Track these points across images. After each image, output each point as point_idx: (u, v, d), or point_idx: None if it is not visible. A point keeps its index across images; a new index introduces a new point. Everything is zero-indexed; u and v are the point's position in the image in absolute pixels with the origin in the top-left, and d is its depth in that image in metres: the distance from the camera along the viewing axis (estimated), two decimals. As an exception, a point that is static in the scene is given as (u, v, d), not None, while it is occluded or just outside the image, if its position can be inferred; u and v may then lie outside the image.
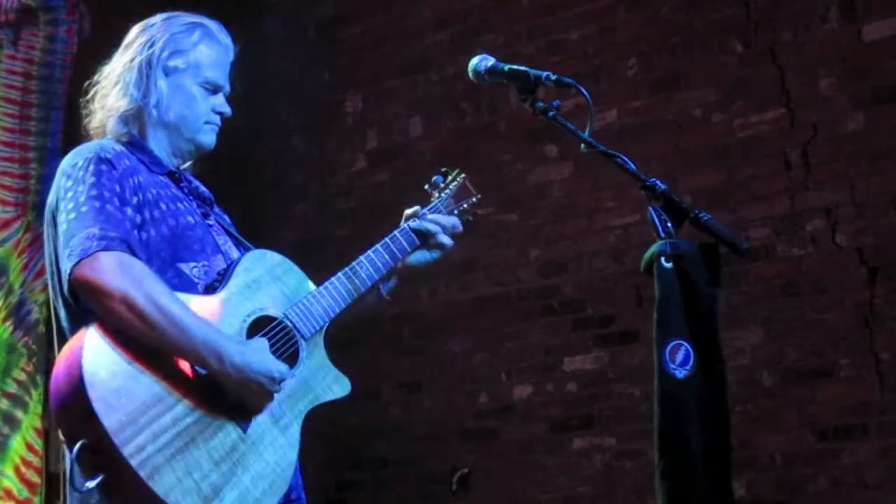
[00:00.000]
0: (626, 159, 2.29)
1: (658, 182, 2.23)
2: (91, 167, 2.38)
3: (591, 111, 2.38)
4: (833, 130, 4.25)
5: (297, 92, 5.55)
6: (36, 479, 4.80)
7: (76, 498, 2.29)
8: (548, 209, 4.84)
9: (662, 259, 2.16)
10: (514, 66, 2.51)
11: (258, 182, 5.60)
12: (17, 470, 4.75)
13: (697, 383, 2.11)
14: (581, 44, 4.83)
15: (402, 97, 5.29)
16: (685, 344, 2.12)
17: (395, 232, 2.73)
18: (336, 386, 2.54)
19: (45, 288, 4.94)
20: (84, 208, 2.32)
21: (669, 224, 2.19)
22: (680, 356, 2.11)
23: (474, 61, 2.59)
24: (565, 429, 4.69)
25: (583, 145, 2.34)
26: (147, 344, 2.27)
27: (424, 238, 2.74)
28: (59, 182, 2.43)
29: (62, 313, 2.41)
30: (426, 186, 2.87)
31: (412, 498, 5.02)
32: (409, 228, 2.73)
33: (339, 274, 2.61)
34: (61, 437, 2.27)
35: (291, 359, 2.47)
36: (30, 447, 4.81)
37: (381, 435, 5.08)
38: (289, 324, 2.48)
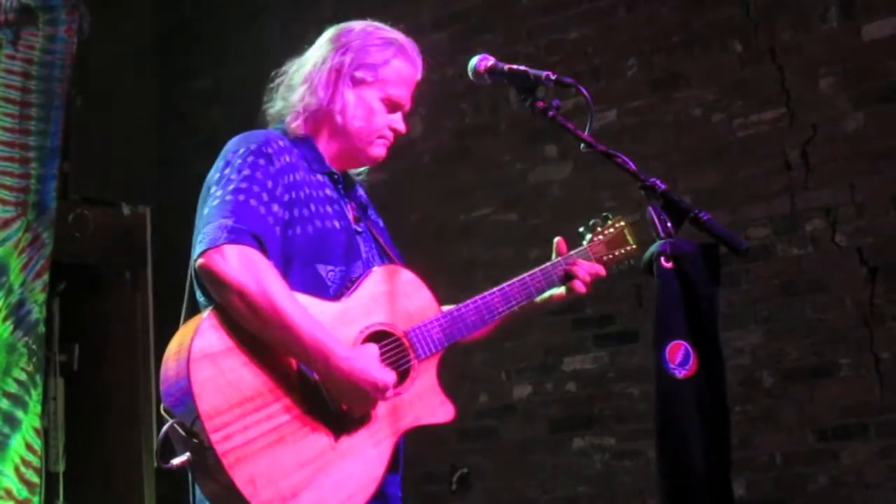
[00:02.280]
0: (625, 159, 2.29)
1: (658, 182, 2.23)
2: (250, 158, 2.43)
3: (590, 111, 2.39)
4: (833, 130, 4.25)
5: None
6: (35, 478, 4.81)
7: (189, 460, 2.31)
8: (548, 209, 4.83)
9: (662, 259, 2.16)
10: (514, 66, 2.51)
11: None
12: (16, 469, 4.75)
13: (697, 383, 2.11)
14: (581, 44, 4.83)
15: (401, 97, 5.28)
16: (685, 344, 2.12)
17: (539, 269, 2.75)
18: (440, 411, 2.58)
19: (45, 288, 4.98)
20: (228, 197, 2.37)
21: (669, 224, 2.19)
22: (679, 356, 2.12)
23: (474, 61, 2.60)
24: (565, 429, 4.69)
25: (582, 145, 2.34)
26: (258, 338, 2.31)
27: (564, 279, 2.75)
28: (219, 164, 2.47)
29: (199, 291, 2.45)
30: (581, 229, 2.88)
31: (412, 498, 5.00)
32: (551, 269, 2.75)
33: (473, 301, 2.64)
34: (162, 412, 2.30)
35: (401, 377, 2.47)
36: (29, 447, 4.81)
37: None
38: (406, 342, 2.49)
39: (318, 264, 2.46)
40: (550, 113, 2.41)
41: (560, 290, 2.78)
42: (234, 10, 5.70)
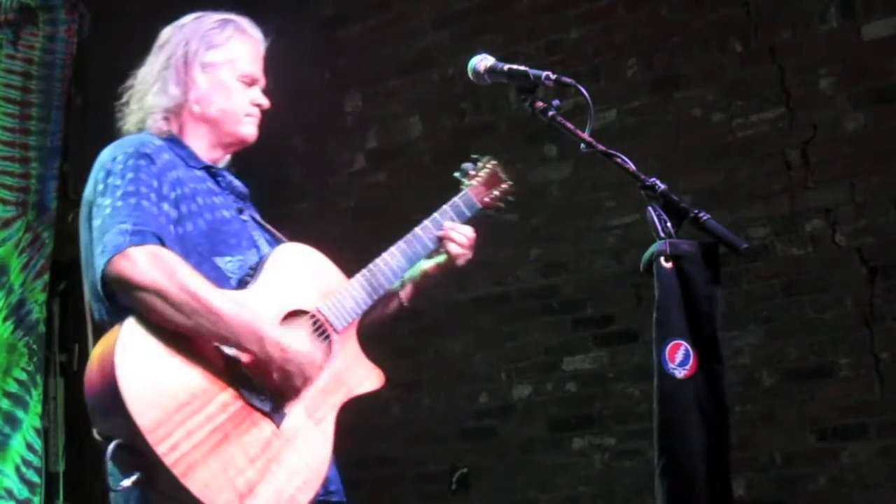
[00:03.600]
0: (625, 159, 2.29)
1: (657, 182, 2.23)
2: (130, 162, 2.41)
3: (590, 111, 2.38)
4: (833, 130, 4.25)
5: (297, 92, 5.54)
6: (36, 478, 4.81)
7: (114, 496, 2.30)
8: (548, 209, 4.84)
9: (662, 259, 2.16)
10: (514, 66, 2.51)
11: (258, 182, 5.58)
12: (17, 469, 4.75)
13: (697, 383, 2.11)
14: (581, 44, 4.83)
15: (402, 97, 5.29)
16: (685, 344, 2.12)
17: (409, 236, 2.73)
18: (369, 379, 2.59)
19: (46, 288, 4.98)
20: (119, 203, 2.35)
21: (669, 224, 2.19)
22: (679, 356, 2.12)
23: (474, 61, 2.59)
24: (565, 428, 4.69)
25: (582, 145, 2.34)
26: (185, 334, 2.28)
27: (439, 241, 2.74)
28: (97, 176, 2.45)
29: (98, 308, 2.41)
30: (456, 174, 2.88)
31: (412, 498, 5.02)
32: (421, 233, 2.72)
33: (374, 264, 2.63)
34: (96, 435, 2.26)
35: (324, 352, 2.48)
36: (30, 447, 4.81)
37: (381, 434, 5.08)
38: (321, 317, 2.50)
39: (215, 257, 2.45)
40: (550, 113, 2.41)
41: (441, 259, 2.77)
42: (235, 10, 5.69)
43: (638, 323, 4.44)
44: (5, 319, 4.85)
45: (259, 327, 2.33)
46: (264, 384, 2.35)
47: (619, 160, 2.29)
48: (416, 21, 5.29)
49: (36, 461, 4.82)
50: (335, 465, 2.52)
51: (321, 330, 2.49)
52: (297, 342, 2.37)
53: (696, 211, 2.20)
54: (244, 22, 2.70)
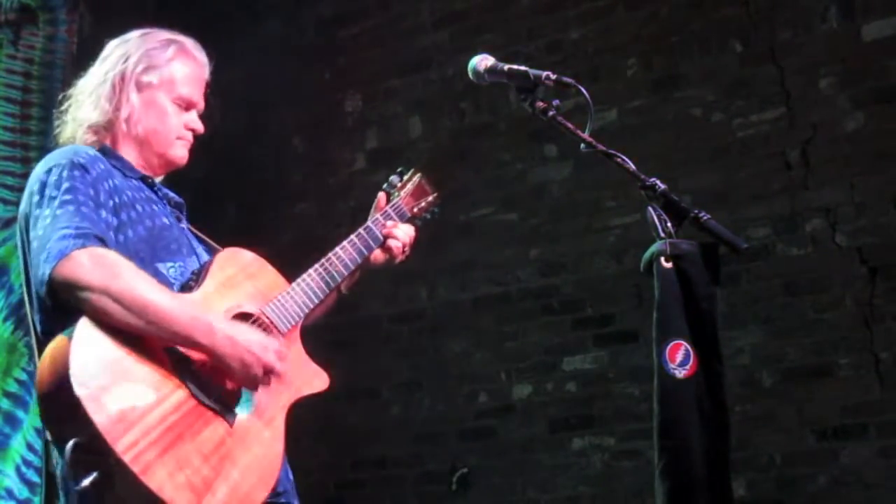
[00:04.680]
0: (625, 159, 2.29)
1: (657, 182, 2.23)
2: (65, 173, 2.41)
3: (590, 111, 2.39)
4: (833, 130, 4.25)
5: (297, 92, 5.55)
6: (36, 478, 4.81)
7: (72, 497, 2.29)
8: (548, 209, 4.84)
9: (662, 259, 2.16)
10: (514, 66, 2.51)
11: (258, 182, 5.60)
12: (17, 469, 4.75)
13: (697, 383, 2.12)
14: (581, 44, 4.83)
15: (402, 97, 5.29)
16: (685, 344, 2.12)
17: (362, 229, 2.80)
18: (316, 380, 2.57)
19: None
20: (59, 211, 2.35)
21: (669, 224, 2.19)
22: (679, 356, 2.12)
23: (474, 61, 2.60)
24: (565, 428, 4.69)
25: (582, 145, 2.35)
26: (135, 333, 2.27)
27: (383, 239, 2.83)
28: (33, 188, 2.46)
29: (37, 319, 2.42)
30: (384, 186, 2.97)
31: (412, 498, 5.02)
32: (373, 227, 2.83)
33: (312, 269, 2.66)
34: (48, 437, 2.27)
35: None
36: (30, 447, 4.81)
37: (381, 435, 5.08)
38: (265, 319, 2.51)
39: (157, 263, 2.46)
40: (550, 113, 2.41)
41: (377, 253, 2.84)
42: (235, 10, 5.70)
43: (638, 323, 4.44)
44: (5, 319, 4.85)
45: (208, 321, 2.34)
46: (219, 381, 2.36)
47: (619, 160, 2.29)
48: (416, 21, 5.29)
49: (36, 461, 4.82)
50: (287, 466, 2.54)
51: (266, 332, 2.50)
52: (247, 332, 2.39)
53: (696, 211, 2.20)
54: (189, 44, 2.69)
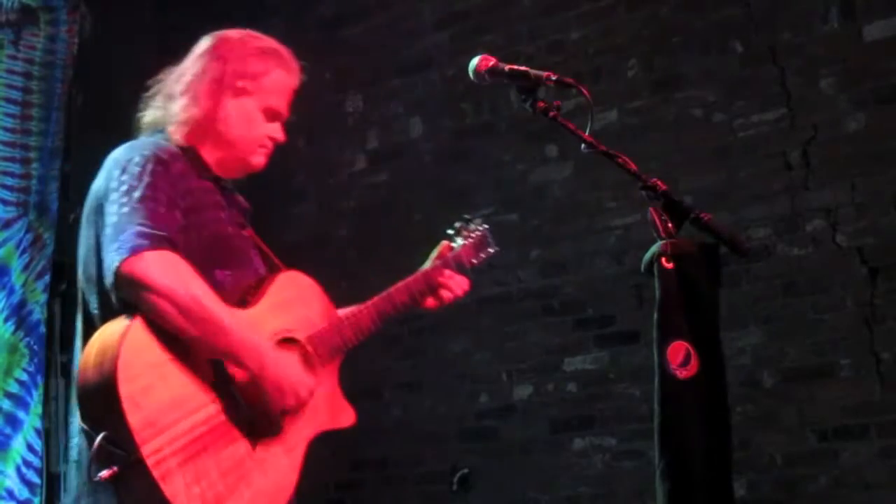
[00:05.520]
0: (626, 159, 2.29)
1: (658, 182, 2.23)
2: (148, 165, 2.45)
3: (591, 111, 2.39)
4: (833, 130, 4.25)
5: (297, 92, 5.54)
6: (36, 479, 4.81)
7: (85, 486, 2.33)
8: (548, 209, 4.84)
9: (663, 259, 2.16)
10: (515, 67, 2.51)
11: (259, 182, 5.59)
12: (18, 470, 4.75)
13: (698, 383, 2.12)
14: (581, 44, 4.83)
15: (402, 97, 5.29)
16: (686, 344, 2.12)
17: (420, 274, 2.86)
18: (342, 416, 2.66)
19: (47, 288, 4.98)
20: (137, 204, 2.38)
21: (670, 224, 2.19)
22: (681, 356, 2.12)
23: (475, 61, 2.59)
24: (565, 429, 4.69)
25: (583, 145, 2.35)
26: (186, 341, 2.32)
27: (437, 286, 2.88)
28: (112, 173, 2.47)
29: (92, 299, 2.44)
30: (449, 231, 2.99)
31: (412, 498, 5.02)
32: (432, 273, 2.87)
33: (364, 306, 2.72)
34: (80, 422, 2.31)
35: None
36: (31, 448, 4.82)
37: (381, 435, 5.08)
38: (309, 349, 2.56)
39: (215, 269, 2.49)
40: (551, 113, 2.42)
41: (429, 299, 2.91)
42: (236, 10, 5.70)
43: (639, 323, 4.44)
44: (6, 320, 4.85)
45: (260, 348, 2.39)
46: (253, 402, 2.40)
47: (620, 160, 2.29)
48: (416, 21, 5.29)
49: (37, 462, 4.82)
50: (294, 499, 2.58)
51: (308, 362, 2.55)
52: (292, 366, 2.45)
53: (696, 211, 2.20)
54: (285, 54, 2.74)
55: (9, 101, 4.96)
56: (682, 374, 2.11)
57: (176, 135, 2.60)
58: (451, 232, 3.00)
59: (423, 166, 5.19)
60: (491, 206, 4.95)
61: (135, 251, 2.31)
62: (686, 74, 4.57)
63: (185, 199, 2.47)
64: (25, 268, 4.93)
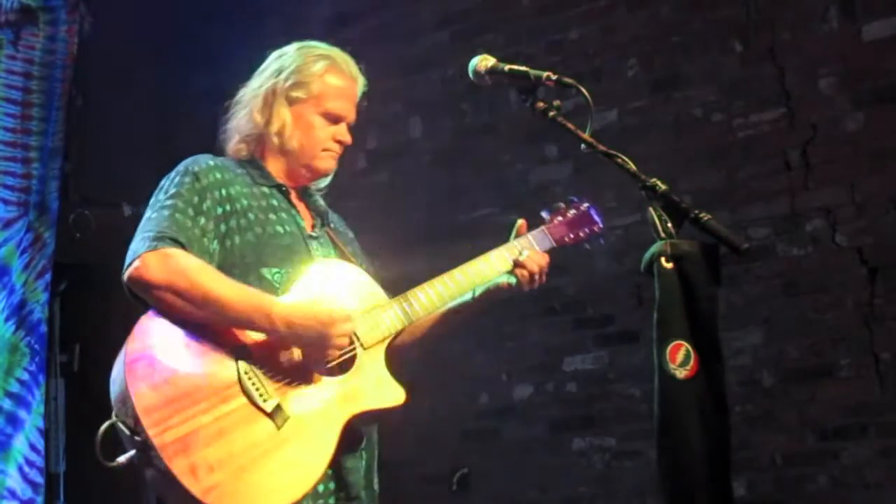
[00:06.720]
0: (626, 159, 2.29)
1: (658, 182, 2.23)
2: (177, 178, 2.58)
3: (591, 111, 2.39)
4: (833, 130, 4.25)
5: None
6: (38, 478, 4.81)
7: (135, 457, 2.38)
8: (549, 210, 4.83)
9: (663, 259, 2.16)
10: (515, 67, 2.52)
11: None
12: (20, 469, 4.75)
13: (697, 384, 2.12)
14: (581, 44, 4.83)
15: (402, 97, 5.29)
16: (685, 344, 2.12)
17: (492, 252, 2.80)
18: (390, 395, 2.61)
19: (47, 288, 4.98)
20: (154, 215, 2.51)
21: (669, 224, 2.19)
22: (680, 356, 2.12)
23: (474, 61, 2.60)
24: (565, 429, 4.69)
25: (583, 145, 2.35)
26: (203, 328, 2.40)
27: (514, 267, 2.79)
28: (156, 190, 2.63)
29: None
30: (543, 214, 2.92)
31: (413, 498, 5.02)
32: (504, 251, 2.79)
33: (421, 289, 2.69)
34: (114, 417, 2.38)
35: (347, 364, 2.53)
36: (33, 447, 4.82)
37: (382, 435, 5.07)
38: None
39: (262, 268, 2.55)
40: (551, 113, 2.42)
41: (507, 279, 2.82)
42: (236, 10, 5.70)
43: (638, 323, 4.44)
44: (7, 320, 4.86)
45: (264, 304, 2.43)
46: (279, 378, 2.42)
47: (619, 160, 2.30)
48: (416, 21, 5.29)
49: (39, 461, 4.83)
50: (374, 474, 2.70)
51: (349, 342, 2.54)
52: (305, 308, 2.44)
53: (696, 211, 2.20)
54: (339, 59, 2.80)
55: (9, 101, 4.96)
56: (681, 373, 2.11)
57: (234, 148, 2.74)
58: (545, 215, 2.92)
59: (422, 166, 5.19)
60: (491, 207, 4.96)
61: (135, 255, 2.44)
62: (686, 74, 4.58)
63: (223, 206, 2.57)
64: (26, 267, 4.93)
